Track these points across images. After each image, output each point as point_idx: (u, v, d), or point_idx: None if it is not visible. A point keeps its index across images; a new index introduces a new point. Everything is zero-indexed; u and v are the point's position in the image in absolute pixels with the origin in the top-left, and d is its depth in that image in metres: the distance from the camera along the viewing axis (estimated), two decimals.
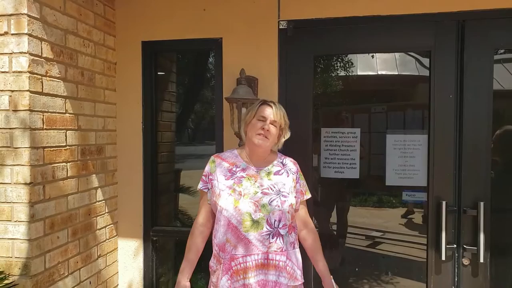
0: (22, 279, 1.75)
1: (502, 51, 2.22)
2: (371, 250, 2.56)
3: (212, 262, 1.75)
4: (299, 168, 1.86)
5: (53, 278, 1.90)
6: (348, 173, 2.34)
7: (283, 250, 1.67)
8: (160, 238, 2.54)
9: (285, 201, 1.69)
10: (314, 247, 1.82)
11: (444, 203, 2.10)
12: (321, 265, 1.80)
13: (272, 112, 1.73)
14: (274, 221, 1.66)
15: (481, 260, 2.06)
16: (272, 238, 1.65)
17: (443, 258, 2.10)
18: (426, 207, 2.19)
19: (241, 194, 1.68)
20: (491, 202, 2.09)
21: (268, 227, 1.65)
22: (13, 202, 1.75)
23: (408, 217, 2.47)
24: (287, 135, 1.82)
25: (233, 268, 1.64)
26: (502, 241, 2.19)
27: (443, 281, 2.15)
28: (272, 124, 1.73)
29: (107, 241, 2.38)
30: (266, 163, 1.79)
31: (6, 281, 1.70)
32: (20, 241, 1.75)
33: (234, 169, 1.76)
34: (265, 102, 1.77)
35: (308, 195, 1.86)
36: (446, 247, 2.09)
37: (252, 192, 1.69)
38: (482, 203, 2.06)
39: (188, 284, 1.76)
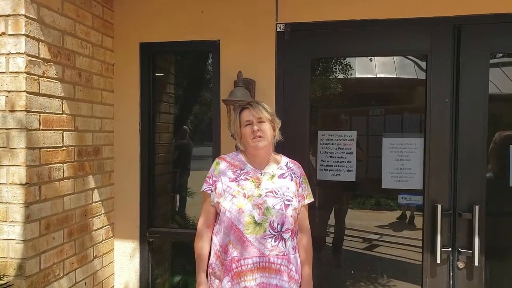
0: (17, 279, 1.75)
1: (500, 55, 2.23)
2: (368, 253, 2.57)
3: (214, 263, 1.75)
4: (303, 172, 1.85)
5: (48, 279, 1.90)
6: (345, 175, 2.34)
7: (285, 254, 1.67)
8: (156, 240, 2.54)
9: (288, 205, 1.70)
10: (304, 252, 1.80)
11: (439, 206, 2.10)
12: (306, 272, 1.78)
13: (252, 112, 1.73)
14: (277, 225, 1.66)
15: (476, 263, 2.06)
16: (275, 241, 1.65)
17: (438, 261, 2.10)
18: (422, 210, 2.19)
19: (245, 196, 1.68)
20: (486, 206, 2.09)
21: (270, 230, 1.65)
22: (9, 203, 1.75)
23: (403, 220, 2.48)
24: (278, 123, 1.81)
25: (234, 270, 1.64)
26: (497, 245, 2.20)
27: (438, 284, 2.16)
28: (260, 122, 1.73)
29: (103, 242, 2.38)
30: (269, 166, 1.79)
31: (1, 282, 1.70)
32: (15, 241, 1.75)
33: (238, 171, 1.77)
34: (242, 108, 1.79)
35: (310, 199, 1.84)
36: (441, 250, 2.10)
37: (256, 195, 1.69)
38: (477, 207, 2.06)
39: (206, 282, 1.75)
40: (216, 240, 1.74)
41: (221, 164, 1.80)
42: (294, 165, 1.84)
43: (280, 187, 1.73)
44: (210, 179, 1.79)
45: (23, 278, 1.75)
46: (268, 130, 1.75)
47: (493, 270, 2.18)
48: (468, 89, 2.11)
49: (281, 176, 1.77)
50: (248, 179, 1.73)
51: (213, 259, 1.75)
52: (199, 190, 1.84)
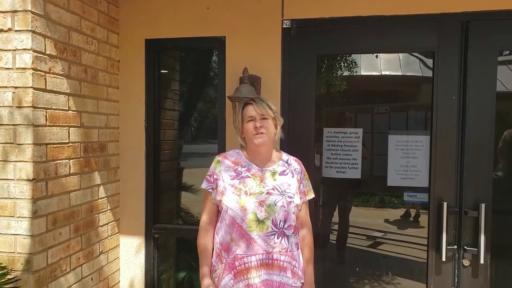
0: (25, 274, 1.76)
1: (507, 52, 2.21)
2: (372, 250, 2.57)
3: (214, 261, 1.75)
4: (303, 168, 1.85)
5: (55, 274, 1.91)
6: (350, 173, 2.34)
7: (288, 250, 1.68)
8: (162, 236, 2.55)
9: (290, 201, 1.69)
10: (307, 249, 1.80)
11: (445, 204, 2.09)
12: (309, 270, 1.79)
13: (255, 108, 1.73)
14: (280, 221, 1.66)
15: (482, 261, 2.06)
16: (277, 238, 1.66)
17: (444, 259, 2.10)
18: (428, 207, 2.19)
19: (246, 194, 1.68)
20: (493, 204, 2.08)
21: (273, 227, 1.65)
22: (16, 198, 1.76)
23: (408, 217, 2.47)
24: (281, 121, 1.81)
25: (237, 267, 1.64)
26: (503, 243, 2.19)
27: (443, 281, 2.15)
28: (263, 119, 1.72)
29: (109, 238, 2.39)
30: (271, 163, 1.79)
31: (8, 276, 1.71)
32: (22, 236, 1.76)
33: (239, 169, 1.76)
34: (245, 104, 1.78)
35: (311, 196, 1.85)
36: (446, 248, 2.09)
37: (257, 192, 1.69)
38: (483, 205, 2.05)
39: (211, 282, 1.72)
40: (217, 238, 1.74)
41: (222, 162, 1.79)
42: (295, 162, 1.84)
43: (281, 184, 1.73)
44: (211, 177, 1.78)
45: (31, 273, 1.76)
46: (271, 127, 1.74)
47: (499, 268, 2.18)
48: (475, 87, 2.10)
49: (282, 173, 1.77)
50: (249, 177, 1.73)
51: (214, 257, 1.76)
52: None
